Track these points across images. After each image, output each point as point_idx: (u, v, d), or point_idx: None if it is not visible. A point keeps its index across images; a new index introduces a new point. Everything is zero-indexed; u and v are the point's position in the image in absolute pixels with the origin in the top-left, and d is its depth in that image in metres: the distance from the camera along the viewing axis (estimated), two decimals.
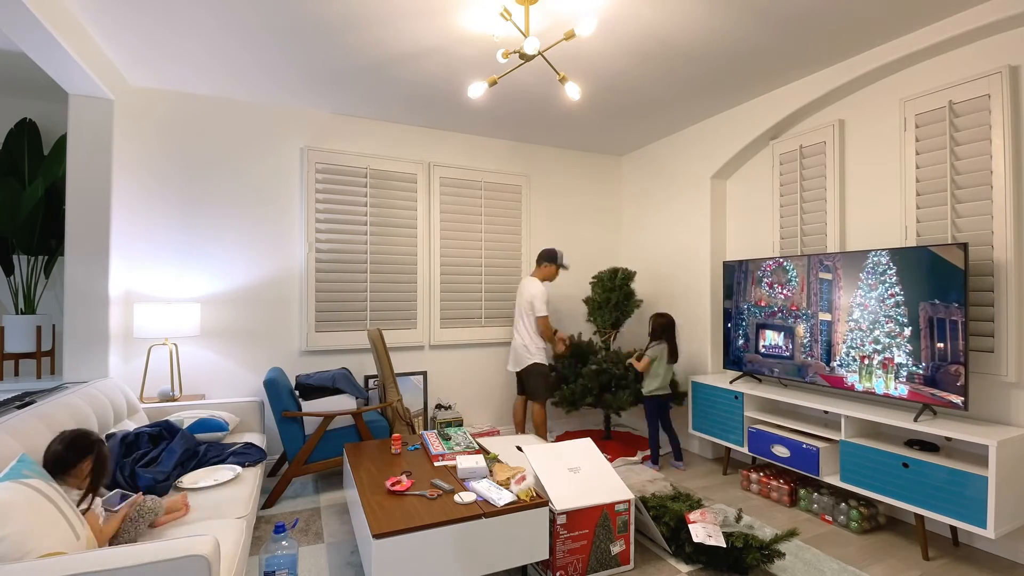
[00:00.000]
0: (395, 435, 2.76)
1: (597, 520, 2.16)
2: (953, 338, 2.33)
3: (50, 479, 1.53)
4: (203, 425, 2.64)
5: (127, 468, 2.08)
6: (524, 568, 2.15)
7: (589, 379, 3.73)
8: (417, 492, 2.13)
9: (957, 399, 2.31)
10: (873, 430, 2.73)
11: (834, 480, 2.67)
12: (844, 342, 2.78)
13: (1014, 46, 2.33)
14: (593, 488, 2.25)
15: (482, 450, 2.68)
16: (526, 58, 2.22)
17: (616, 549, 2.20)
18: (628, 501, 2.22)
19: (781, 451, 2.91)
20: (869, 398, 2.83)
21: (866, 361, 2.67)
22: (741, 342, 3.40)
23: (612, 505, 2.19)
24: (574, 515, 2.12)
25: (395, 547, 1.80)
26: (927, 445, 2.44)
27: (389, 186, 3.87)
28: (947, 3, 2.32)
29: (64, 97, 3.30)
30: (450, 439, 2.77)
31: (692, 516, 2.28)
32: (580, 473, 2.33)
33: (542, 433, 3.65)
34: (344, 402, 3.29)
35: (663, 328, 3.58)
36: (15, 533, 1.27)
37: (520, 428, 3.83)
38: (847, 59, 2.85)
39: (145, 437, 2.33)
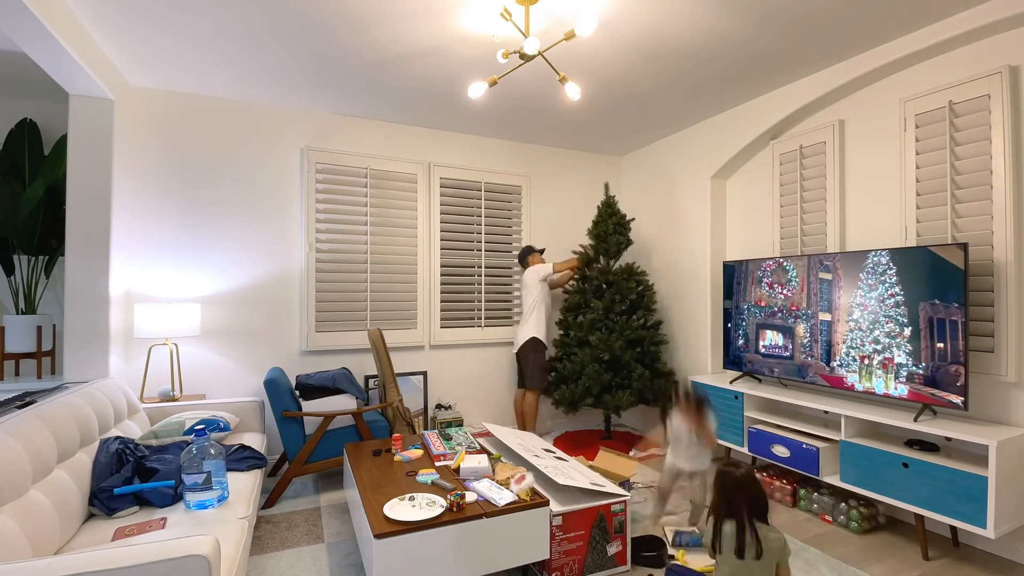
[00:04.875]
0: (396, 435, 2.76)
1: (593, 521, 2.16)
2: (953, 338, 2.33)
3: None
4: (206, 426, 2.63)
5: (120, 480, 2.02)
6: (524, 568, 2.15)
7: (590, 378, 3.73)
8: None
9: (957, 399, 2.31)
10: (873, 430, 2.73)
11: (834, 480, 2.67)
12: (844, 342, 2.78)
13: (1014, 46, 2.33)
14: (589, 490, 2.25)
15: (483, 450, 2.68)
16: (526, 58, 2.22)
17: (612, 550, 2.20)
18: (624, 502, 2.23)
19: (781, 451, 2.91)
20: (869, 398, 2.83)
21: (866, 361, 2.67)
22: (741, 342, 3.40)
23: (608, 506, 2.19)
24: (570, 516, 2.12)
25: (396, 547, 1.81)
26: (927, 445, 2.44)
27: (389, 186, 3.87)
28: (947, 3, 2.32)
29: (64, 97, 3.31)
30: (451, 439, 2.77)
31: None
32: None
33: (531, 425, 3.62)
34: (344, 402, 3.30)
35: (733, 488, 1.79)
36: None
37: (521, 423, 3.81)
38: (847, 59, 2.85)
39: (133, 446, 2.26)
